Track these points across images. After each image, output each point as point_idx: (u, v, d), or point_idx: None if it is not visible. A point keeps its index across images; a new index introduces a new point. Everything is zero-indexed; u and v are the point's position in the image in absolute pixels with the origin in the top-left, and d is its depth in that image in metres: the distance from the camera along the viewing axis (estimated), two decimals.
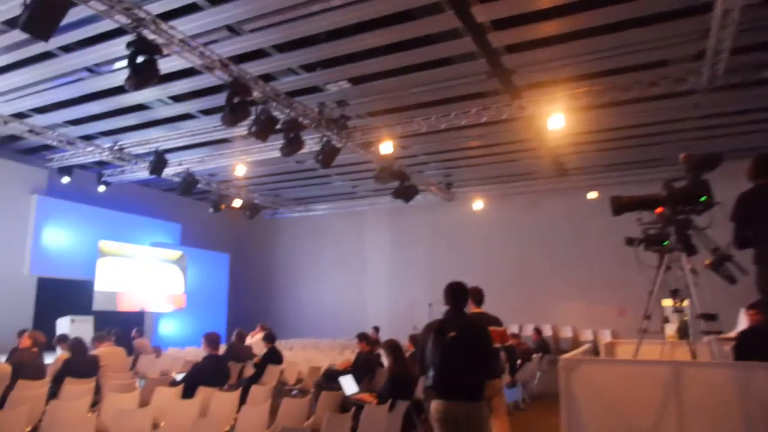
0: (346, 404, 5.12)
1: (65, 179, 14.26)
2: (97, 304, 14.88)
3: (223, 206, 16.93)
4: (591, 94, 10.10)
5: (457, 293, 3.92)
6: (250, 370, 8.09)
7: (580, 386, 3.51)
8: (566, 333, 16.25)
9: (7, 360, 5.60)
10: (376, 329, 12.38)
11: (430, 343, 3.68)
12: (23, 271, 14.09)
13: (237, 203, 17.54)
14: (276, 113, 9.95)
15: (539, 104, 10.50)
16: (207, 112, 11.87)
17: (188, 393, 5.11)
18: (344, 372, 6.92)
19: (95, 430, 3.95)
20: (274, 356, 8.07)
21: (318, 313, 19.41)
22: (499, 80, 10.27)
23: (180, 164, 14.27)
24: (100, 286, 15.18)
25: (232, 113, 8.70)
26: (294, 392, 7.93)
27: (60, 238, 14.93)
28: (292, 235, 20.98)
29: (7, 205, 13.86)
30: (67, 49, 9.25)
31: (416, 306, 16.37)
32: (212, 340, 5.72)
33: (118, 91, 10.71)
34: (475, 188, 17.53)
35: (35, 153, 14.64)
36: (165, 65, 8.23)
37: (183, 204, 19.13)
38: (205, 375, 5.39)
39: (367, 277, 19.24)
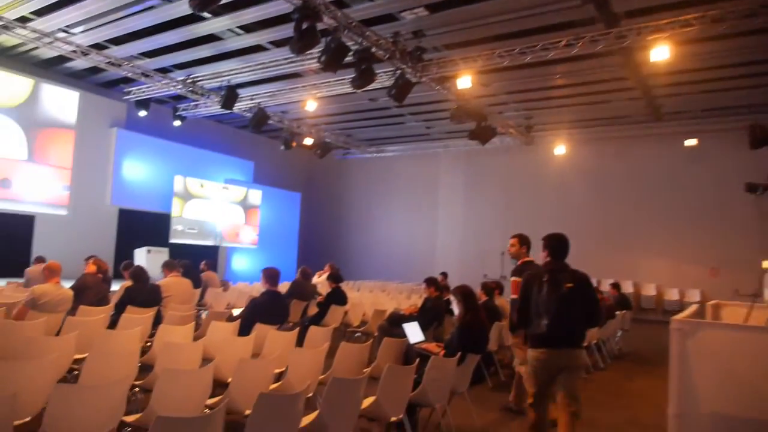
0: (409, 353, 4.72)
1: (142, 112, 14.41)
2: (173, 237, 15.29)
3: (294, 144, 16.71)
4: (704, 22, 8.73)
5: (564, 245, 3.94)
6: (314, 310, 7.90)
7: (698, 352, 2.87)
8: (649, 291, 15.17)
9: (72, 286, 5.57)
10: (444, 275, 11.90)
11: (544, 293, 3.73)
12: (105, 202, 14.60)
13: (308, 141, 17.29)
14: (347, 43, 9.33)
15: (641, 33, 9.25)
16: (278, 44, 11.43)
17: (244, 329, 4.87)
18: (410, 318, 6.52)
19: (140, 361, 3.77)
20: (337, 296, 7.81)
21: (387, 256, 19.21)
22: (594, 6, 9.10)
23: (251, 99, 14.02)
24: (176, 219, 15.54)
25: (301, 39, 8.17)
26: (357, 335, 7.68)
27: (139, 171, 15.31)
28: (364, 177, 20.65)
29: (90, 137, 14.24)
30: None
31: (488, 254, 15.75)
32: (271, 275, 5.42)
33: (190, 20, 10.50)
34: (557, 132, 16.34)
35: (114, 87, 14.86)
36: None
37: (256, 142, 19.16)
38: (262, 311, 5.14)
39: (438, 222, 18.71)
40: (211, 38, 11.43)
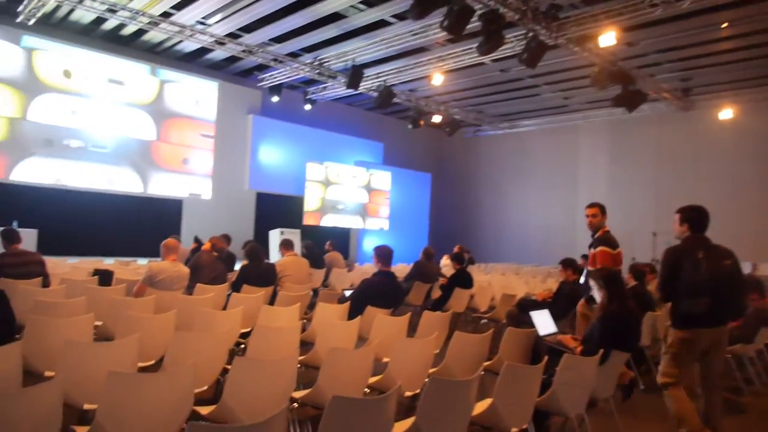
0: (538, 347, 4.01)
1: (275, 98, 14.82)
2: (306, 219, 15.66)
3: (422, 122, 16.24)
4: None
5: (706, 217, 3.73)
6: (438, 294, 7.39)
7: None
8: None
9: (186, 262, 5.60)
10: (586, 257, 10.73)
11: (703, 270, 3.49)
12: (244, 187, 15.30)
13: (437, 119, 16.70)
14: (472, 4, 8.57)
15: None
16: (401, 17, 10.97)
17: (354, 311, 4.49)
18: (543, 304, 5.74)
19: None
20: (462, 279, 7.22)
21: (521, 238, 18.13)
22: None
23: (377, 77, 13.74)
24: (309, 202, 15.88)
25: (420, 4, 7.60)
26: (483, 321, 7.03)
27: (274, 156, 15.83)
28: (496, 154, 19.62)
29: (229, 125, 14.96)
30: None
31: (637, 234, 14.09)
32: (383, 254, 4.96)
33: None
34: (722, 94, 14.09)
35: (249, 75, 15.42)
36: None
37: (385, 123, 19.00)
38: (372, 293, 4.72)
39: (579, 200, 17.15)
40: (335, 17, 11.29)
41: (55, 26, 12.50)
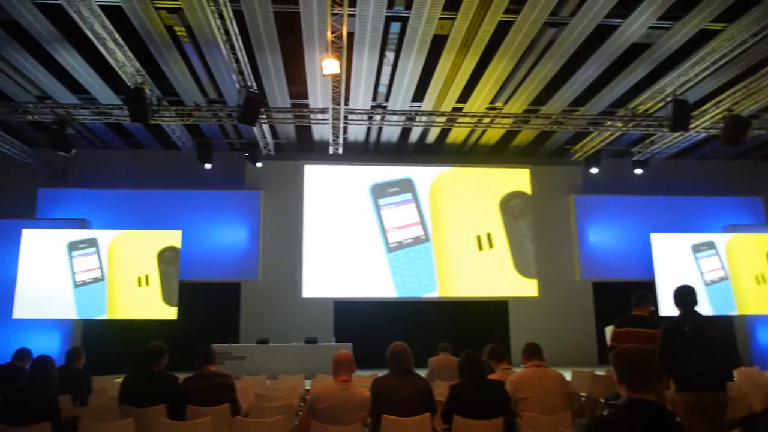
0: None
1: (593, 170, 12.69)
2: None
3: None
4: None
5: (689, 296, 4.30)
6: None
7: None
8: None
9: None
10: None
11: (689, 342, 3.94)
12: (575, 277, 13.15)
13: None
14: None
15: None
16: (726, 19, 7.98)
17: None
18: None
19: None
20: None
21: None
22: None
23: (716, 107, 10.25)
24: (662, 285, 12.51)
25: None
26: None
27: (605, 238, 13.33)
28: None
29: (547, 211, 13.39)
30: None
31: None
32: None
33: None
34: None
35: (560, 152, 13.75)
36: None
37: (759, 171, 14.27)
38: None
39: None
40: (637, 49, 9.01)
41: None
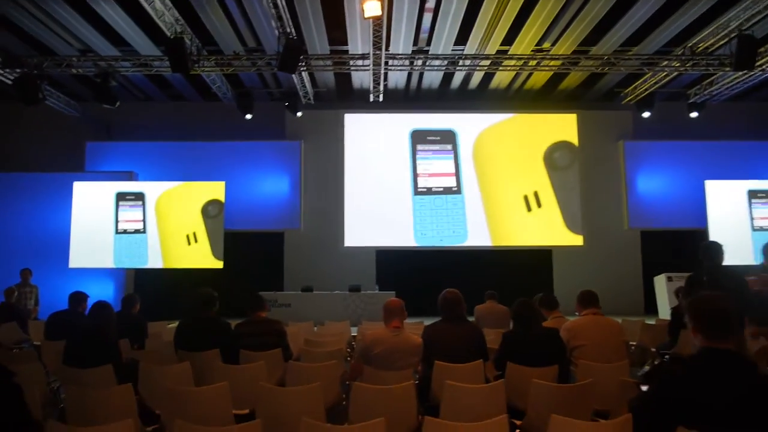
0: None
1: (645, 114, 12.09)
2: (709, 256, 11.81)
3: None
4: None
5: None
6: None
7: None
8: None
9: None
10: None
11: None
12: (622, 226, 12.79)
13: None
14: None
15: None
16: None
17: None
18: None
19: None
20: None
21: None
22: None
23: None
24: (715, 234, 12.05)
25: None
26: None
27: (656, 186, 12.82)
28: None
29: (594, 158, 12.93)
30: None
31: None
32: None
33: None
34: None
35: (608, 96, 13.12)
36: None
37: None
38: None
39: None
40: None
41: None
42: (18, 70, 10.13)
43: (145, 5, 8.12)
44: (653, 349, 5.83)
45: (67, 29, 9.58)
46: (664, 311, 9.78)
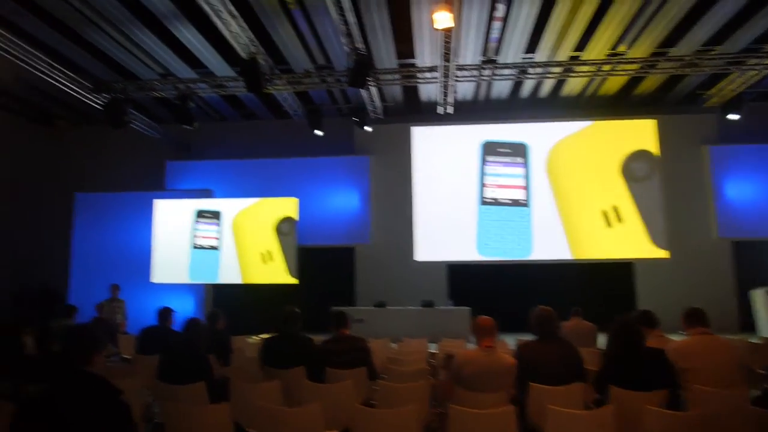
0: None
1: (733, 116, 11.34)
2: None
3: None
4: None
5: None
6: None
7: None
8: None
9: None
10: None
11: None
12: (712, 236, 12.00)
13: None
14: None
15: None
16: None
17: None
18: None
19: None
20: None
21: None
22: None
23: None
24: None
25: None
26: None
27: (749, 191, 11.98)
28: None
29: (676, 165, 12.23)
30: None
31: None
32: None
33: None
34: None
35: (690, 98, 12.43)
36: None
37: None
38: None
39: None
40: None
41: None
42: (106, 95, 10.72)
43: (222, 28, 8.40)
44: (761, 371, 5.35)
45: (149, 53, 10.06)
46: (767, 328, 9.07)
